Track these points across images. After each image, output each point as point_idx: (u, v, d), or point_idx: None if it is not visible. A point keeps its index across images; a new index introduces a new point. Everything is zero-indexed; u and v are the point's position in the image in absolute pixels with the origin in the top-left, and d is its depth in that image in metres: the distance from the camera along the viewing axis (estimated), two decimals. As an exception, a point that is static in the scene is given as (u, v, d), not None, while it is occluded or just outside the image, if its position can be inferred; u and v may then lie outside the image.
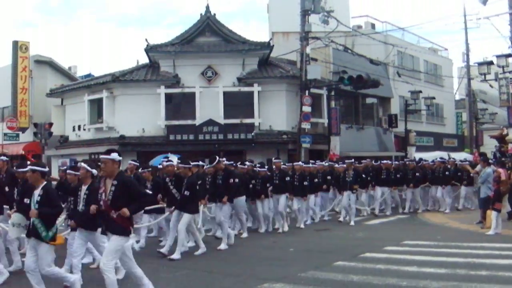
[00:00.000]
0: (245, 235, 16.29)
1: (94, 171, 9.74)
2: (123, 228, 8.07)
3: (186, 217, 12.81)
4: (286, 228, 17.73)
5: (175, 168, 14.13)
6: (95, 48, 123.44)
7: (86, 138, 34.69)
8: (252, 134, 31.33)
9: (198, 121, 31.46)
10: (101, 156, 8.46)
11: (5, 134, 37.08)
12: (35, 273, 8.37)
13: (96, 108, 34.57)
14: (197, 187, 13.33)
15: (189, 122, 31.66)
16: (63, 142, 36.45)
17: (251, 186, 17.12)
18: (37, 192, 8.40)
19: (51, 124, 34.64)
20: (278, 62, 35.13)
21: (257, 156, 27.67)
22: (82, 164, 10.05)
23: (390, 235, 16.72)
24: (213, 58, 32.98)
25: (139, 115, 31.85)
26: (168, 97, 32.35)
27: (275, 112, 32.28)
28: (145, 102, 32.05)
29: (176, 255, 12.49)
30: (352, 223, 19.34)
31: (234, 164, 17.50)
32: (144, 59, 36.02)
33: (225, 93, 32.06)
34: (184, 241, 13.06)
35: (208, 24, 34.55)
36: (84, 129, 35.13)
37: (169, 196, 13.80)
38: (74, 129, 36.36)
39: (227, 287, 9.79)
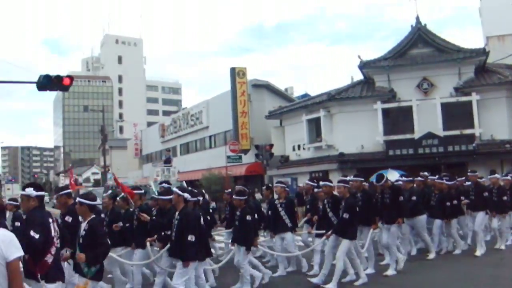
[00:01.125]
0: (431, 256, 13.98)
1: (186, 195, 9.39)
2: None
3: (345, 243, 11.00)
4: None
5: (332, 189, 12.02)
6: (309, 68, 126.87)
7: (306, 157, 35.80)
8: (473, 145, 30.43)
9: (416, 135, 31.25)
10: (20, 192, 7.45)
11: (228, 157, 38.98)
12: None
13: (314, 127, 35.55)
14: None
15: (408, 136, 31.53)
16: (284, 162, 37.79)
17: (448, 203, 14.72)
18: (83, 226, 7.69)
19: (271, 145, 36.14)
20: (496, 68, 33.88)
21: (479, 168, 26.73)
22: (175, 189, 9.74)
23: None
24: (428, 70, 32.60)
25: (357, 132, 32.33)
26: (385, 112, 32.50)
27: (495, 121, 31.09)
28: (362, 118, 32.49)
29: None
30: None
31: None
32: (358, 76, 36.53)
33: (442, 104, 31.51)
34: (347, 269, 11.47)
35: (419, 35, 34.30)
36: (303, 148, 36.25)
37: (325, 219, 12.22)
38: (294, 149, 37.65)
39: None
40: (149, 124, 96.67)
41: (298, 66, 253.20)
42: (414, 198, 14.03)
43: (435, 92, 32.19)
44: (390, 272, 12.05)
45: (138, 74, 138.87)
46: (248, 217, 10.50)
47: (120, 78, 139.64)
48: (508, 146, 30.25)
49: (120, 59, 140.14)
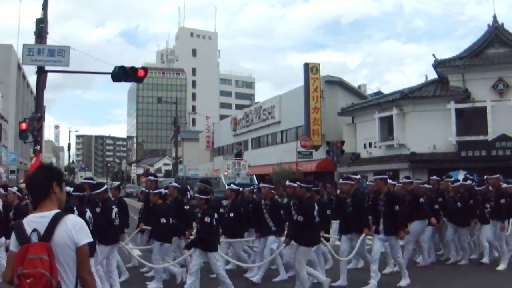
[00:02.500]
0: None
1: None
2: None
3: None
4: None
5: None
6: (383, 65, 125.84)
7: (377, 155, 35.76)
8: (548, 148, 29.89)
9: (490, 136, 30.83)
10: None
11: (299, 152, 39.24)
12: None
13: (386, 125, 35.46)
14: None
15: (481, 137, 31.11)
16: (355, 159, 37.83)
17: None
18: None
19: (343, 142, 36.29)
20: None
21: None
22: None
23: None
24: (504, 70, 32.04)
25: (429, 132, 32.15)
26: (459, 112, 32.18)
27: None
28: (435, 118, 32.29)
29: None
30: None
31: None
32: (432, 75, 36.26)
33: (518, 106, 31.02)
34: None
35: (496, 35, 33.83)
36: (375, 147, 36.20)
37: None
38: (365, 147, 37.64)
39: None
40: (222, 117, 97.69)
41: (373, 63, 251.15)
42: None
43: (510, 93, 31.68)
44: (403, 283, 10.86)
45: (212, 68, 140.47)
46: (207, 219, 9.46)
47: (194, 71, 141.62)
48: None
49: (194, 52, 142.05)
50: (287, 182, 10.92)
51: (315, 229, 9.88)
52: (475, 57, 33.56)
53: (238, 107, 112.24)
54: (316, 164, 41.37)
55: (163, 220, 10.90)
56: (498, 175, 13.90)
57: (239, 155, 40.97)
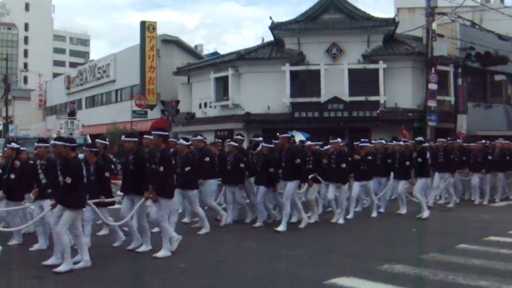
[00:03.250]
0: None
1: None
2: None
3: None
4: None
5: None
6: (221, 27, 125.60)
7: (212, 115, 35.55)
8: (377, 111, 31.01)
9: (323, 99, 31.50)
10: None
11: (134, 112, 38.33)
12: None
13: (222, 85, 35.27)
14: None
15: (314, 99, 31.73)
16: (190, 119, 37.46)
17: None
18: None
19: (178, 102, 35.68)
20: (404, 38, 34.46)
21: (382, 134, 27.26)
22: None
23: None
24: (338, 35, 32.80)
25: (264, 93, 32.25)
26: (293, 74, 32.60)
27: (400, 90, 31.75)
28: (270, 79, 32.45)
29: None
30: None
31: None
32: (269, 37, 36.34)
33: (350, 70, 31.87)
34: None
35: (332, 1, 34.37)
36: (210, 107, 35.97)
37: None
38: (200, 107, 37.29)
39: (347, 266, 9.51)
40: (55, 75, 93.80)
41: (212, 24, 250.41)
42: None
43: (343, 58, 32.47)
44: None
45: (45, 23, 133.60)
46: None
47: (26, 26, 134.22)
48: (411, 114, 31.05)
49: (27, 6, 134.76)
50: (123, 138, 11.06)
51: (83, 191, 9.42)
52: (311, 21, 33.97)
53: (73, 65, 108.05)
54: (151, 124, 40.54)
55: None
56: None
57: (72, 114, 39.28)
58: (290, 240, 12.11)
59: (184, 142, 12.74)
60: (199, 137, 14.11)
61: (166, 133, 10.89)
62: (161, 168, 10.15)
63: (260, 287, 8.50)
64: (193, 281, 8.67)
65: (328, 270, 9.21)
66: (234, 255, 10.70)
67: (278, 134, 14.14)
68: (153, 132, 10.69)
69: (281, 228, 12.90)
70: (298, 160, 13.26)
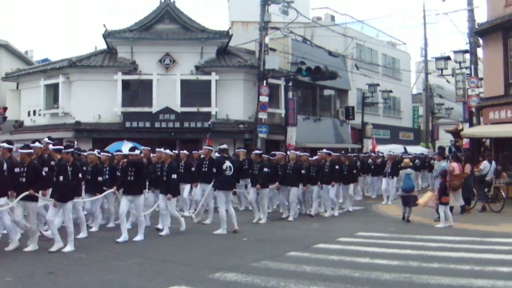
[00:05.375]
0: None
1: None
2: None
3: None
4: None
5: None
6: (52, 32, 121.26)
7: (42, 124, 34.23)
8: (209, 123, 31.30)
9: (154, 109, 31.42)
10: None
11: (-42, 118, 36.32)
12: None
13: (52, 93, 34.08)
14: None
15: (146, 109, 31.56)
16: (18, 127, 35.91)
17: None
18: None
19: (5, 109, 34.09)
20: (237, 51, 35.19)
21: (213, 146, 27.57)
22: None
23: (344, 226, 16.79)
24: (172, 46, 32.83)
25: (96, 101, 31.59)
26: (125, 83, 32.23)
27: (232, 102, 32.33)
28: (101, 88, 31.83)
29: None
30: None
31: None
32: (102, 45, 35.65)
33: (182, 81, 32.05)
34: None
35: (167, 11, 34.37)
36: (39, 114, 34.64)
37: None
38: (29, 114, 35.82)
39: (179, 276, 9.53)
40: None
41: (42, 29, 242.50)
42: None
43: (176, 68, 32.50)
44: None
45: None
46: None
47: None
48: (242, 126, 31.60)
49: None
50: None
51: None
52: (145, 31, 33.77)
53: None
54: (-23, 131, 38.61)
55: None
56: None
57: None
58: (122, 251, 11.98)
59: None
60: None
61: None
62: None
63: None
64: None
65: (159, 279, 9.19)
66: (64, 266, 10.31)
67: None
68: None
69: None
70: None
